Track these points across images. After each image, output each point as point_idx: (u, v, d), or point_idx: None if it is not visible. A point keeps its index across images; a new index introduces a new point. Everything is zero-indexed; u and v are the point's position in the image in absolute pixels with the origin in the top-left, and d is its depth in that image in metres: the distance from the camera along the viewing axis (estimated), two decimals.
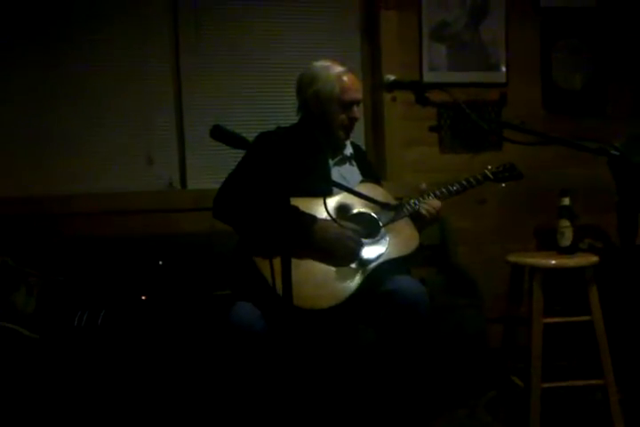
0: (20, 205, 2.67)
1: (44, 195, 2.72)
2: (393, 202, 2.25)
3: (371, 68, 3.11)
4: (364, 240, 2.11)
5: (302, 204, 2.03)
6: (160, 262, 2.53)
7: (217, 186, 2.17)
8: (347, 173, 2.29)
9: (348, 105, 2.21)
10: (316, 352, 2.06)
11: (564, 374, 2.62)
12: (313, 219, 2.05)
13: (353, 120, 2.24)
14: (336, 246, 2.05)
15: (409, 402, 2.12)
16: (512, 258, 2.62)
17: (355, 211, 2.17)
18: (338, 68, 2.22)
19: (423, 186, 2.28)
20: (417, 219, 2.21)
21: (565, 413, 2.62)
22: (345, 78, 2.21)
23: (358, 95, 2.25)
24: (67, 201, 2.71)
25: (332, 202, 2.15)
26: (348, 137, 2.30)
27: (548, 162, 3.10)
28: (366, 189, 2.17)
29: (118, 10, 2.82)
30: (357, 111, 2.24)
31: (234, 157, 2.24)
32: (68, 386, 2.12)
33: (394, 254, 2.13)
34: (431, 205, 2.21)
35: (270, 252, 1.81)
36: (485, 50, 3.16)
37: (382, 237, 2.15)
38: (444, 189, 2.27)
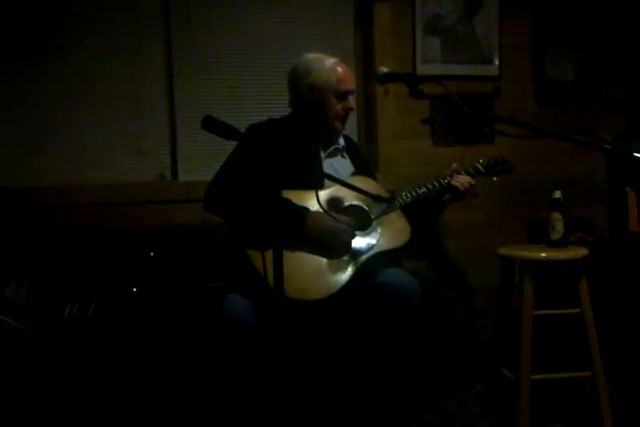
0: (11, 196, 2.64)
1: (35, 186, 2.70)
2: (385, 194, 2.25)
3: (364, 60, 3.09)
4: (356, 232, 2.11)
5: (294, 196, 2.03)
6: (151, 254, 2.52)
7: (208, 178, 2.16)
8: (338, 165, 2.29)
9: (343, 95, 2.21)
10: (308, 344, 2.06)
11: (554, 366, 2.63)
12: (305, 211, 2.05)
13: (348, 110, 2.24)
14: (328, 239, 2.05)
15: (399, 393, 2.13)
16: (503, 251, 2.63)
17: (346, 203, 2.17)
18: (331, 59, 2.22)
19: (454, 166, 2.30)
20: (446, 195, 2.25)
21: (554, 404, 2.64)
22: (339, 69, 2.21)
23: (353, 85, 2.27)
24: (57, 193, 2.69)
25: (324, 194, 2.15)
26: (343, 128, 2.30)
27: (540, 155, 3.11)
28: (358, 181, 2.17)
29: (111, 5, 2.80)
30: (352, 101, 2.24)
31: (226, 148, 2.23)
32: (57, 378, 2.12)
33: (385, 247, 2.13)
34: (464, 179, 2.22)
35: (262, 244, 1.81)
36: (479, 43, 3.15)
37: (374, 230, 2.15)
38: (435, 183, 2.26)
